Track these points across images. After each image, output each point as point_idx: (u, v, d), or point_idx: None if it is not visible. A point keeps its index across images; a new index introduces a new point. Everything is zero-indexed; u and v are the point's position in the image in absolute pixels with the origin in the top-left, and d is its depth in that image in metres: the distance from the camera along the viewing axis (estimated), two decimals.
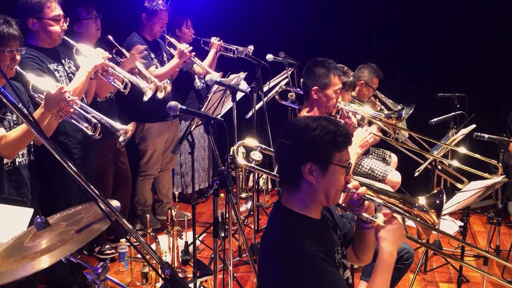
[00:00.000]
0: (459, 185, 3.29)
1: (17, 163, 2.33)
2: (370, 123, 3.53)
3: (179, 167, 4.64)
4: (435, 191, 1.83)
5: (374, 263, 2.79)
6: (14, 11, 2.56)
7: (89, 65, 2.65)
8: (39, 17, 2.67)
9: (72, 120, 2.43)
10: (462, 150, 3.20)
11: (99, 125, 2.43)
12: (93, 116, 2.45)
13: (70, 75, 2.84)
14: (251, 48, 4.17)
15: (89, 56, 2.71)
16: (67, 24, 2.79)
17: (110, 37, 3.34)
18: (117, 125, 2.52)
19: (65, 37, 2.77)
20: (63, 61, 2.87)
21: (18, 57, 2.27)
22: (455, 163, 3.25)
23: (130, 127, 2.54)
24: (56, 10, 2.70)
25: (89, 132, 2.44)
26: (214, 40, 4.26)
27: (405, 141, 3.98)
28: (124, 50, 3.36)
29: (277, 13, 5.08)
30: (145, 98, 2.98)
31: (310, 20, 5.03)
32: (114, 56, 3.27)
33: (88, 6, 3.28)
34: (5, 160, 2.28)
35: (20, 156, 2.35)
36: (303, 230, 1.53)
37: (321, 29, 4.99)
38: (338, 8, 4.94)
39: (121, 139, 2.52)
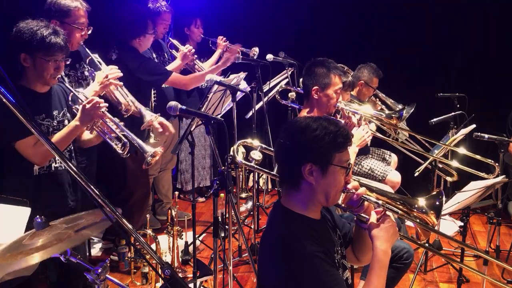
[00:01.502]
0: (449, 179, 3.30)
1: (53, 168, 2.30)
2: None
3: (179, 164, 4.68)
4: (435, 192, 1.83)
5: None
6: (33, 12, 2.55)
7: (97, 86, 2.66)
8: (63, 21, 2.69)
9: (103, 135, 2.40)
10: (462, 150, 3.21)
11: (128, 144, 2.42)
12: (124, 135, 2.43)
13: (80, 81, 2.86)
14: (256, 50, 4.16)
15: (100, 72, 2.71)
16: (89, 32, 2.81)
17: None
18: (147, 147, 2.49)
19: (83, 46, 2.80)
20: (77, 65, 2.88)
21: (62, 67, 2.27)
22: (454, 163, 3.26)
23: (160, 150, 2.51)
24: (81, 18, 2.73)
25: (119, 150, 2.42)
26: (220, 40, 4.26)
27: (405, 141, 3.98)
28: None
29: (277, 13, 5.07)
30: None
31: (310, 20, 5.03)
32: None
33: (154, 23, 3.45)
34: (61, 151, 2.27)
35: (58, 161, 2.32)
36: (303, 230, 1.53)
37: (321, 29, 4.99)
38: (338, 8, 4.94)
39: (148, 159, 2.49)
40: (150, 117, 2.82)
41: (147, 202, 3.76)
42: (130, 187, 3.51)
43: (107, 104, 2.33)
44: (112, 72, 2.69)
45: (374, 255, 1.57)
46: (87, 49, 2.81)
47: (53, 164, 2.31)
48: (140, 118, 3.25)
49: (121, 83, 2.78)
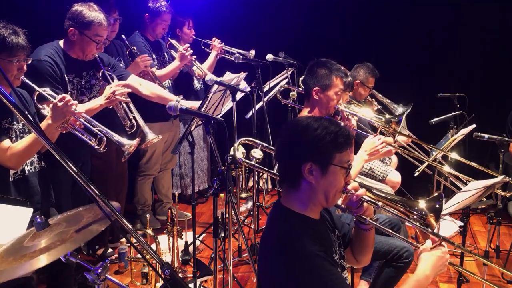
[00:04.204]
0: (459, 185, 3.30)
1: (26, 172, 2.30)
2: (382, 133, 3.48)
3: (178, 168, 4.63)
4: (436, 194, 1.83)
5: (375, 263, 2.80)
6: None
7: (103, 100, 2.69)
8: (82, 32, 2.72)
9: (77, 133, 2.42)
10: (454, 155, 3.21)
11: (104, 138, 2.44)
12: (99, 130, 2.45)
13: (82, 89, 2.88)
14: (252, 52, 4.15)
15: (108, 87, 2.74)
16: (105, 46, 2.86)
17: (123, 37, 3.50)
18: (124, 140, 2.54)
19: (97, 56, 2.83)
20: (84, 73, 2.89)
21: (25, 67, 2.26)
22: (451, 170, 3.26)
23: (135, 142, 2.59)
24: (101, 33, 2.75)
25: (94, 145, 2.44)
26: (215, 42, 4.23)
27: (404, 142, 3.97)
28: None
29: (277, 13, 5.08)
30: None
31: (310, 20, 5.03)
32: (128, 57, 3.47)
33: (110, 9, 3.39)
34: (33, 154, 2.28)
35: (29, 164, 2.31)
36: (303, 229, 1.53)
37: (321, 29, 4.99)
38: (338, 8, 4.94)
39: (126, 153, 2.56)
40: (152, 136, 2.87)
41: (124, 192, 3.72)
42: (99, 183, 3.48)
43: (76, 102, 2.34)
44: (119, 88, 2.70)
45: (416, 274, 1.56)
46: (101, 64, 2.86)
47: (26, 168, 2.30)
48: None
49: (129, 100, 2.79)
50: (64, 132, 2.38)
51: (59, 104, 2.24)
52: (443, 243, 1.63)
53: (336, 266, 1.55)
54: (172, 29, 4.24)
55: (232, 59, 4.09)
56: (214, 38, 4.26)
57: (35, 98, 2.40)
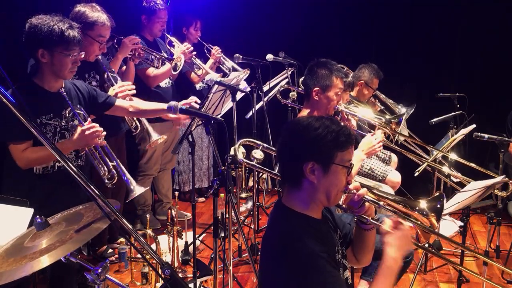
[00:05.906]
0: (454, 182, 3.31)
1: (56, 168, 2.30)
2: (373, 127, 3.49)
3: (177, 165, 4.67)
4: (437, 194, 1.83)
5: (375, 263, 2.80)
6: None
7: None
8: (85, 32, 2.72)
9: (91, 157, 2.40)
10: (453, 156, 3.21)
11: (116, 176, 2.43)
12: (114, 166, 2.44)
13: None
14: (247, 72, 4.05)
15: (111, 89, 2.76)
16: (107, 46, 2.89)
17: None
18: (134, 183, 2.54)
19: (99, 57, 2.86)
20: (86, 75, 2.90)
21: (79, 61, 2.28)
22: (451, 170, 3.26)
23: (143, 190, 2.58)
24: (104, 33, 2.78)
25: (104, 178, 2.42)
26: (214, 51, 4.22)
27: (405, 141, 3.97)
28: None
29: (277, 13, 5.07)
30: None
31: (310, 20, 5.03)
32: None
33: None
34: (45, 164, 2.28)
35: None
36: (305, 229, 1.52)
37: (321, 29, 4.99)
38: (338, 8, 4.94)
39: (130, 195, 2.54)
40: (155, 137, 2.93)
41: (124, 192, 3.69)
42: None
43: (105, 133, 2.32)
44: (121, 90, 2.70)
45: (384, 261, 1.55)
46: (104, 66, 2.88)
47: (57, 164, 2.31)
48: None
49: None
50: (83, 153, 2.37)
51: (86, 132, 2.22)
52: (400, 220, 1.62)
53: (337, 267, 1.55)
54: (177, 27, 4.25)
55: (227, 71, 4.10)
56: (216, 47, 4.24)
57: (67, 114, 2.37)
